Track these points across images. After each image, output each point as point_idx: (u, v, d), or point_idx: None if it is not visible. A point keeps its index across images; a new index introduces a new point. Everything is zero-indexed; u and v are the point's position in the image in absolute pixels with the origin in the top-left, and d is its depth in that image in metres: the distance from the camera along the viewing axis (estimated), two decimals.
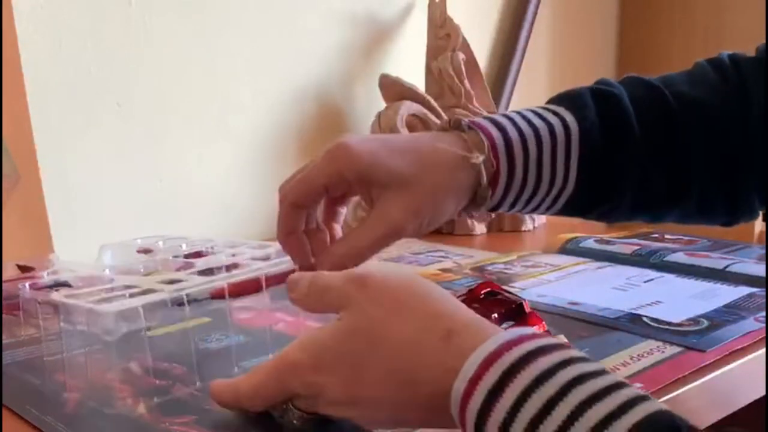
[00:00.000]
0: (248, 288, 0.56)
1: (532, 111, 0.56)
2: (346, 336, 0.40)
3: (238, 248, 0.66)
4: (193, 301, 0.51)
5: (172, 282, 0.55)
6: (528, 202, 0.56)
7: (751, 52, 0.60)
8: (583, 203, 0.57)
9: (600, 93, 0.57)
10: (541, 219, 1.15)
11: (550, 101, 0.58)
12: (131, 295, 0.52)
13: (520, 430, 0.32)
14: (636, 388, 0.33)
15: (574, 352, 0.35)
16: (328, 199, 0.55)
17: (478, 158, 0.52)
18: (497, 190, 0.54)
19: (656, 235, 1.00)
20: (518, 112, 0.56)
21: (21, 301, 0.57)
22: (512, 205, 0.56)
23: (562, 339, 0.54)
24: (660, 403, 0.32)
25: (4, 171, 0.78)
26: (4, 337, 0.61)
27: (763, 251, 0.89)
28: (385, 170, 0.50)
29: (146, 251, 0.70)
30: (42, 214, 0.82)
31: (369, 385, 0.39)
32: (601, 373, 0.33)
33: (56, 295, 0.53)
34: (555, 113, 0.56)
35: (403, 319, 0.39)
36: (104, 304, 0.50)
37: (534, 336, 0.36)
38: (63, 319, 0.51)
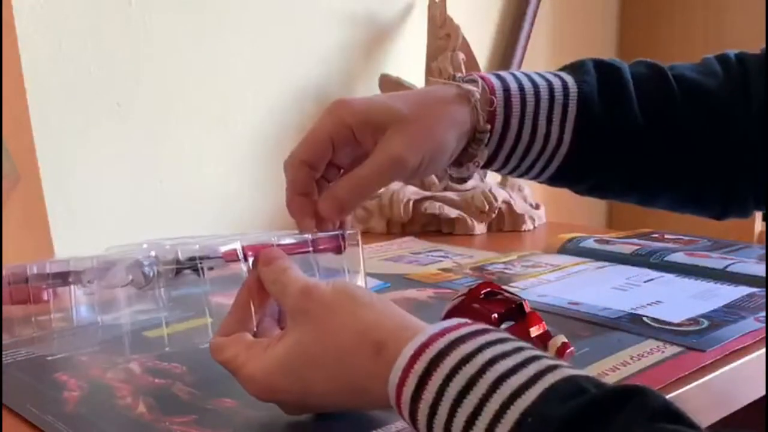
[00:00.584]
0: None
1: (535, 72, 0.58)
2: (292, 353, 0.43)
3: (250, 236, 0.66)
4: (205, 258, 0.51)
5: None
6: (522, 159, 0.56)
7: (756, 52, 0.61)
8: (576, 169, 0.57)
9: (602, 64, 0.58)
10: (541, 219, 1.15)
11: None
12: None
13: (446, 408, 0.35)
14: (551, 359, 0.36)
15: (495, 335, 0.38)
16: (337, 168, 0.56)
17: (476, 94, 0.54)
18: (493, 136, 0.55)
19: (656, 235, 1.00)
20: (521, 71, 0.58)
21: (29, 288, 0.56)
22: (506, 160, 0.57)
23: (561, 339, 0.54)
24: (572, 369, 0.35)
25: (4, 171, 0.78)
26: (4, 337, 0.61)
27: (763, 251, 0.89)
28: (384, 109, 0.52)
29: None
30: (42, 215, 0.82)
31: (319, 395, 0.43)
32: (518, 350, 0.36)
33: (64, 263, 0.53)
34: (556, 75, 0.57)
35: (338, 334, 0.42)
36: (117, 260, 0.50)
37: (459, 326, 0.38)
38: (73, 279, 0.51)
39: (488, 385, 0.35)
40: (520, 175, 0.59)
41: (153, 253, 0.49)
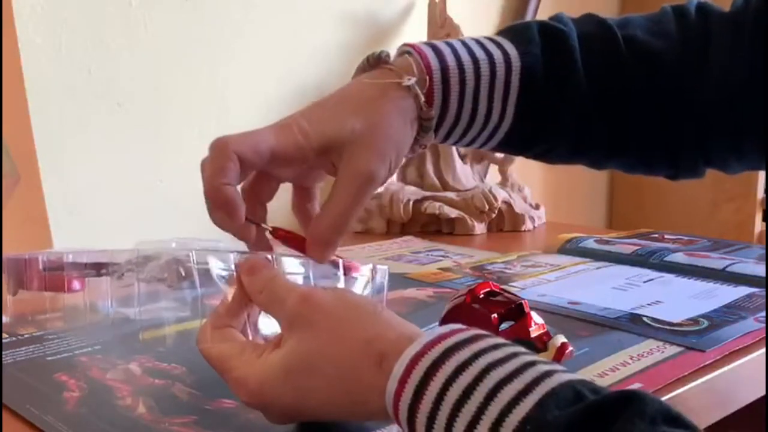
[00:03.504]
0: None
1: (476, 40, 0.55)
2: (290, 363, 0.42)
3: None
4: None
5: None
6: (462, 135, 0.55)
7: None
8: (520, 141, 0.56)
9: (548, 29, 0.55)
10: (541, 219, 1.15)
11: (498, 33, 0.56)
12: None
13: (444, 417, 0.35)
14: (547, 364, 0.36)
15: (490, 342, 0.37)
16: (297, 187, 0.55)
17: (410, 80, 0.51)
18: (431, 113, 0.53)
19: (656, 235, 1.00)
20: (461, 40, 0.54)
21: (65, 278, 0.57)
22: (446, 137, 0.55)
23: (561, 339, 0.54)
24: (567, 374, 0.35)
25: (4, 171, 0.78)
26: (4, 336, 0.61)
27: (763, 251, 0.89)
28: (338, 130, 0.50)
29: None
30: (42, 214, 0.82)
31: (312, 407, 0.42)
32: (513, 356, 0.36)
33: (104, 253, 0.53)
34: (498, 44, 0.54)
35: (339, 345, 0.41)
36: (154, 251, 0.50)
37: (453, 332, 0.38)
38: (108, 271, 0.52)
39: (486, 393, 0.34)
40: (464, 147, 0.57)
41: (192, 255, 0.50)
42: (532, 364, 0.35)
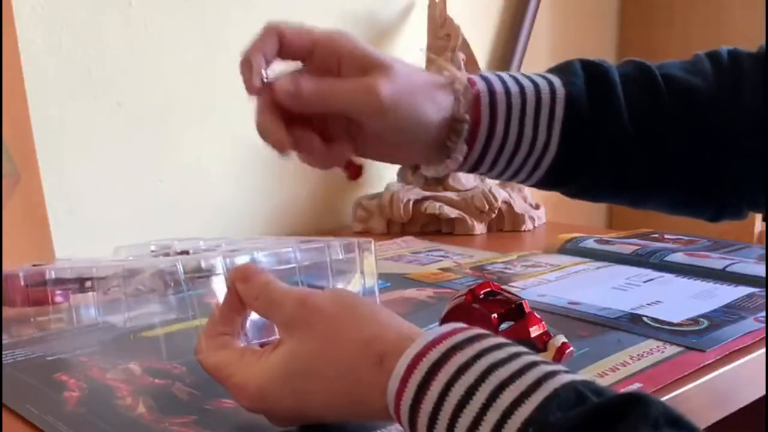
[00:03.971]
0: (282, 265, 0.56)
1: (521, 73, 0.57)
2: (289, 365, 0.42)
3: (260, 242, 0.66)
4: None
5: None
6: (509, 162, 0.55)
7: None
8: (564, 171, 0.56)
9: (590, 64, 0.57)
10: (541, 219, 1.15)
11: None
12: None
13: (446, 419, 0.35)
14: (549, 364, 0.36)
15: (492, 341, 0.37)
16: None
17: (460, 84, 0.53)
18: (476, 143, 0.54)
19: (656, 235, 1.00)
20: (507, 72, 0.56)
21: (48, 292, 0.56)
22: (493, 163, 0.55)
23: (561, 339, 0.54)
24: (569, 374, 0.35)
25: (4, 171, 0.78)
26: (4, 337, 0.61)
27: (763, 251, 0.89)
28: (379, 56, 0.52)
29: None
30: (42, 214, 0.82)
31: (313, 409, 0.42)
32: (515, 356, 0.36)
33: (89, 268, 0.53)
34: (542, 76, 0.56)
35: (339, 346, 0.41)
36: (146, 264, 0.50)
37: (455, 331, 0.38)
38: (99, 286, 0.51)
39: (488, 393, 0.34)
40: (510, 179, 0.58)
41: (179, 266, 0.49)
42: (534, 364, 0.35)
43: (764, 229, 1.44)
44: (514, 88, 0.54)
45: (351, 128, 0.54)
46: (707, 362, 0.56)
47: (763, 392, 0.59)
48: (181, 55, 0.98)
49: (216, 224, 1.03)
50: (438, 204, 1.08)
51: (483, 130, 0.54)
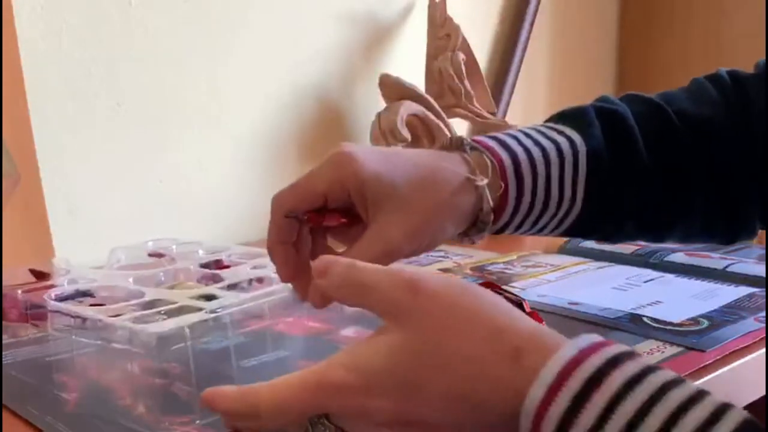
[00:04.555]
0: (287, 311, 0.56)
1: (536, 130, 0.55)
2: (400, 356, 0.36)
3: (258, 260, 0.66)
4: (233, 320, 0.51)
5: (206, 298, 0.54)
6: (535, 223, 0.55)
7: (749, 62, 0.60)
8: (589, 224, 0.56)
9: (604, 111, 0.56)
10: None
11: (552, 119, 0.57)
12: (167, 313, 0.52)
13: None
14: (712, 394, 0.32)
15: (646, 361, 0.34)
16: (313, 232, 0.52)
17: (483, 181, 0.51)
18: (504, 213, 0.53)
19: None
20: (522, 131, 0.55)
21: (49, 315, 0.56)
22: (518, 227, 0.55)
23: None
24: (743, 410, 0.31)
25: (4, 171, 0.78)
26: (4, 337, 0.61)
27: (763, 251, 0.89)
28: (387, 187, 0.48)
29: (158, 255, 0.70)
30: (42, 214, 0.82)
31: (426, 409, 0.35)
32: (684, 380, 0.32)
33: (91, 311, 0.53)
34: (560, 132, 0.55)
35: (463, 336, 0.35)
36: (146, 324, 0.49)
37: (606, 343, 0.34)
38: (97, 336, 0.51)
39: (666, 415, 0.30)
40: (532, 234, 0.57)
41: (187, 324, 0.49)
42: (705, 392, 0.32)
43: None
44: (537, 154, 0.53)
45: None
46: (707, 362, 0.56)
47: (763, 392, 0.59)
48: (181, 55, 0.98)
49: (216, 224, 1.03)
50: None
51: (510, 202, 0.53)
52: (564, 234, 0.57)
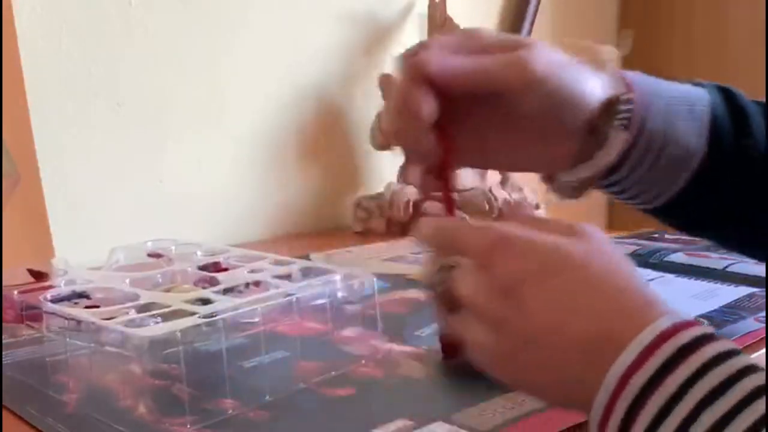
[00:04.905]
0: (281, 315, 0.56)
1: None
2: (570, 254, 0.38)
3: (257, 263, 0.66)
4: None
5: (201, 302, 0.54)
6: (654, 162, 0.48)
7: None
8: (703, 188, 0.50)
9: (717, 85, 0.52)
10: None
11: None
12: (162, 316, 0.52)
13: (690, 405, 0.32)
14: None
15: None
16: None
17: (611, 67, 0.47)
18: (630, 131, 0.47)
19: (656, 235, 1.00)
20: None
21: (44, 316, 0.56)
22: (639, 162, 0.48)
23: None
24: None
25: (4, 171, 0.78)
26: (4, 337, 0.61)
27: None
28: (518, 39, 0.46)
29: (157, 255, 0.70)
30: (42, 214, 0.82)
31: (573, 321, 0.37)
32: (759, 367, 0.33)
33: (84, 314, 0.53)
34: (677, 81, 0.51)
35: (594, 294, 0.38)
36: (138, 328, 0.49)
37: (696, 321, 0.36)
38: (90, 338, 0.51)
39: (745, 393, 0.31)
40: (639, 194, 0.51)
41: (179, 329, 0.48)
42: None
43: None
44: (661, 81, 0.49)
45: (491, 120, 0.48)
46: None
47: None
48: (181, 55, 0.98)
49: (216, 224, 1.03)
50: (438, 204, 1.08)
51: (637, 116, 0.47)
52: (671, 205, 0.51)
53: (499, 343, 0.38)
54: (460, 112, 0.47)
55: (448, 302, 0.41)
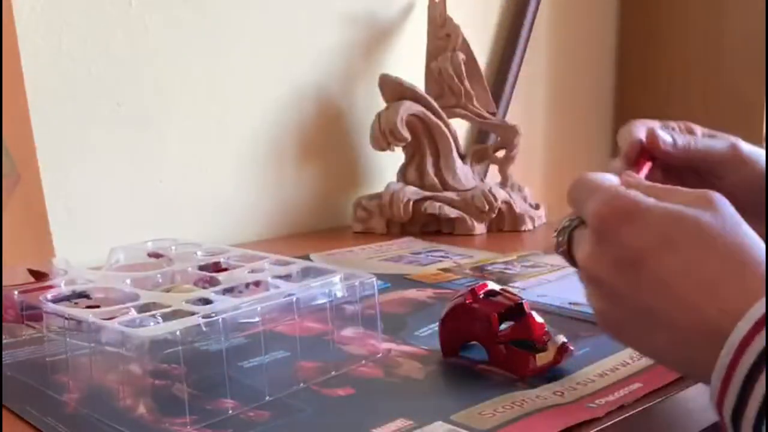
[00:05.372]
0: (281, 315, 0.56)
1: None
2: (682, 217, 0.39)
3: (257, 263, 0.66)
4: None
5: (201, 302, 0.54)
6: None
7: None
8: None
9: None
10: (541, 219, 1.15)
11: None
12: (162, 316, 0.52)
13: None
14: None
15: None
16: None
17: None
18: None
19: None
20: None
21: (44, 316, 0.56)
22: None
23: (561, 339, 0.54)
24: None
25: (4, 171, 0.78)
26: (4, 337, 0.61)
27: None
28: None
29: (157, 255, 0.70)
30: (42, 214, 0.82)
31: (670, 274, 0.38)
32: None
33: (84, 314, 0.52)
34: None
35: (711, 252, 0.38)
36: (138, 328, 0.49)
37: None
38: (89, 338, 0.51)
39: None
40: None
41: (179, 329, 0.48)
42: None
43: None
44: None
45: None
46: None
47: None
48: (182, 55, 0.98)
49: (216, 224, 1.03)
50: (438, 204, 1.08)
51: None
52: None
53: (614, 311, 0.40)
54: (672, 176, 0.53)
55: (571, 260, 0.45)
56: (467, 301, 0.56)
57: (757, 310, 0.34)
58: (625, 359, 0.56)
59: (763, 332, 0.34)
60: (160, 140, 0.98)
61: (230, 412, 0.48)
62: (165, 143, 0.98)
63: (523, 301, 0.55)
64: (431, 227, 1.10)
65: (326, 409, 0.50)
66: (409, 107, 1.07)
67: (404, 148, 1.12)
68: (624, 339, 0.42)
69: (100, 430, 0.46)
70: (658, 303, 0.38)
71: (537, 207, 1.16)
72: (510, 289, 0.60)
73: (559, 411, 0.48)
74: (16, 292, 0.58)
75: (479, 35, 1.32)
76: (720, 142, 0.53)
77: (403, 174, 1.13)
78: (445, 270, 0.85)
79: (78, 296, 0.58)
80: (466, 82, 1.14)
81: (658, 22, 1.57)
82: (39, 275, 0.69)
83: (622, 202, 0.41)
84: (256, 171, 1.08)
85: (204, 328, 0.49)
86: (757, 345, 0.34)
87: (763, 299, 0.35)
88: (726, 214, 0.40)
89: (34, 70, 0.85)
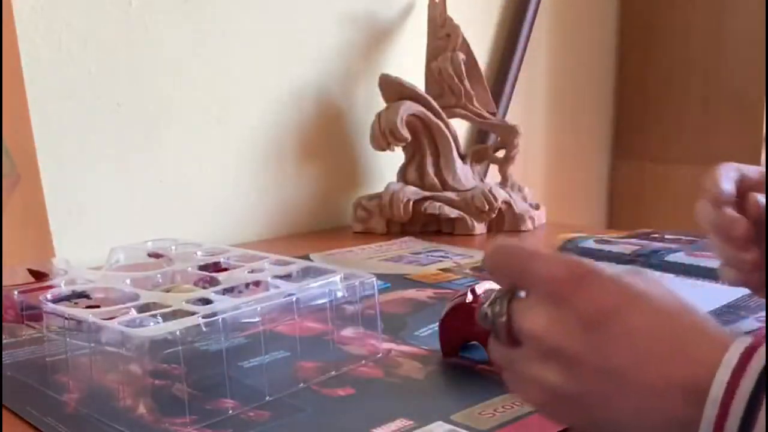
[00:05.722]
0: (281, 315, 0.56)
1: None
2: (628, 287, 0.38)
3: (257, 263, 0.66)
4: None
5: (201, 302, 0.54)
6: None
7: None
8: None
9: None
10: (541, 219, 1.15)
11: None
12: (162, 316, 0.52)
13: None
14: None
15: None
16: None
17: None
18: None
19: (656, 235, 1.00)
20: None
21: (44, 316, 0.56)
22: None
23: None
24: None
25: (4, 171, 0.78)
26: (4, 337, 0.61)
27: None
28: None
29: (157, 255, 0.70)
30: (42, 214, 0.82)
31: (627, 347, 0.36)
32: None
33: (84, 314, 0.52)
34: None
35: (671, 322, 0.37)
36: (138, 328, 0.49)
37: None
38: (90, 338, 0.51)
39: None
40: None
41: (179, 329, 0.48)
42: None
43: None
44: None
45: None
46: None
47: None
48: (181, 55, 0.98)
49: (216, 224, 1.03)
50: (438, 204, 1.08)
51: None
52: None
53: (571, 382, 0.37)
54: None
55: (507, 336, 0.39)
56: (467, 301, 0.56)
57: (732, 357, 0.34)
58: None
59: (749, 375, 0.33)
60: (160, 140, 0.98)
61: (230, 412, 0.48)
62: (165, 143, 0.98)
63: None
64: (431, 227, 1.10)
65: (326, 409, 0.50)
66: (409, 107, 1.07)
67: (404, 148, 1.12)
68: (579, 415, 0.38)
69: (100, 430, 0.46)
70: (627, 360, 0.36)
71: (537, 207, 1.16)
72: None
73: None
74: (16, 292, 0.58)
75: (479, 35, 1.32)
76: None
77: (403, 174, 1.13)
78: (445, 270, 0.85)
79: (78, 296, 0.58)
80: (466, 82, 1.14)
81: (658, 22, 1.57)
82: (39, 275, 0.69)
83: (575, 265, 0.38)
84: (256, 171, 1.08)
85: (204, 328, 0.49)
86: (745, 389, 0.33)
87: (735, 344, 0.34)
88: (655, 279, 0.39)
89: (34, 70, 0.85)
